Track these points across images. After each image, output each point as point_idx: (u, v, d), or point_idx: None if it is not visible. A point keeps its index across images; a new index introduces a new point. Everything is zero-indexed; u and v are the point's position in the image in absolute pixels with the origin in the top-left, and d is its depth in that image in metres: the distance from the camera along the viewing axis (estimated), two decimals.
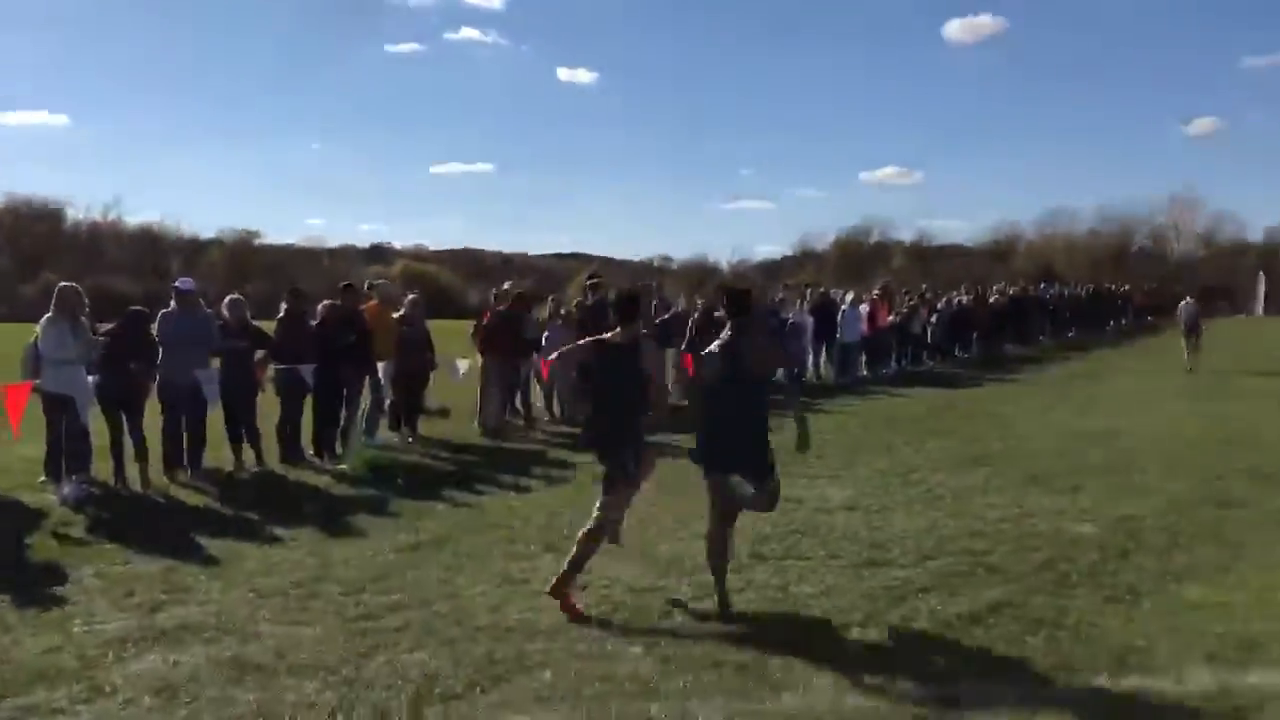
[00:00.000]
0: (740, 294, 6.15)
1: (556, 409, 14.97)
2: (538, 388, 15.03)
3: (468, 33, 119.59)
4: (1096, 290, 40.52)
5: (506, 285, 15.51)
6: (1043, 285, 37.97)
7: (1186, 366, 21.33)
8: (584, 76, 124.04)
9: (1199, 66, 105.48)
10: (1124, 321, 41.38)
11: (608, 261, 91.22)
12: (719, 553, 6.01)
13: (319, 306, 11.91)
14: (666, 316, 18.01)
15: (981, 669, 4.90)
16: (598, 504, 6.22)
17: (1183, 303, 23.06)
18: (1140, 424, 13.23)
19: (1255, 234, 76.65)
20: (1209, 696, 4.48)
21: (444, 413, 14.13)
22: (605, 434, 6.28)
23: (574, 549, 6.14)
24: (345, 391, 11.72)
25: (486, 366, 13.75)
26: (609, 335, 6.30)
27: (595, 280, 17.22)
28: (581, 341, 6.75)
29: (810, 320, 20.54)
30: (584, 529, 6.19)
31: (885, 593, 6.15)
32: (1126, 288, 45.96)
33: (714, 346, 5.99)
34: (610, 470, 6.24)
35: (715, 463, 5.93)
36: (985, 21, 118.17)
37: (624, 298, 6.38)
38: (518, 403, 14.61)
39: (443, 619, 5.82)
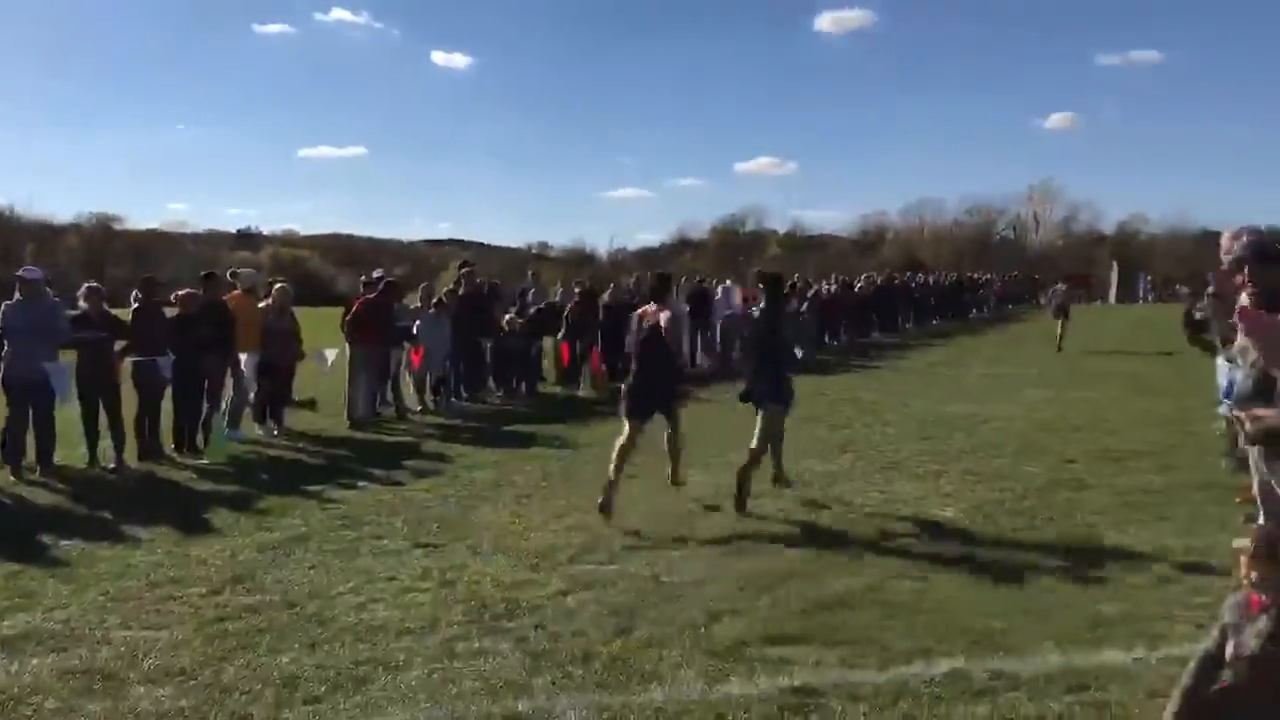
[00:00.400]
0: (777, 278, 9.08)
1: (429, 400, 14.76)
2: (409, 378, 14.79)
3: (339, 14, 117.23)
4: (959, 279, 41.86)
5: (376, 273, 15.21)
6: (908, 274, 39.01)
7: (1058, 346, 23.46)
8: (459, 61, 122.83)
9: (1057, 64, 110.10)
10: (986, 309, 42.85)
11: (484, 248, 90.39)
12: (754, 466, 8.24)
13: (176, 296, 11.48)
14: (541, 306, 17.93)
15: (844, 655, 5.00)
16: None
17: (1054, 288, 26.55)
18: (999, 410, 13.70)
19: (1109, 225, 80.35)
20: (1057, 676, 4.65)
21: (311, 404, 13.80)
22: (648, 390, 8.35)
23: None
24: (207, 384, 11.33)
25: (355, 356, 13.46)
26: (646, 309, 8.39)
27: (468, 268, 17.02)
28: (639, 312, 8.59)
29: (685, 308, 20.70)
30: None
31: (754, 580, 6.23)
32: (988, 276, 47.59)
33: (758, 315, 8.88)
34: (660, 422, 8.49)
35: (789, 400, 8.53)
36: (855, 15, 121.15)
37: (657, 278, 8.82)
38: (388, 394, 14.35)
39: (306, 619, 5.68)
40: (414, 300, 15.94)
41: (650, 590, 6.12)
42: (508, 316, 16.61)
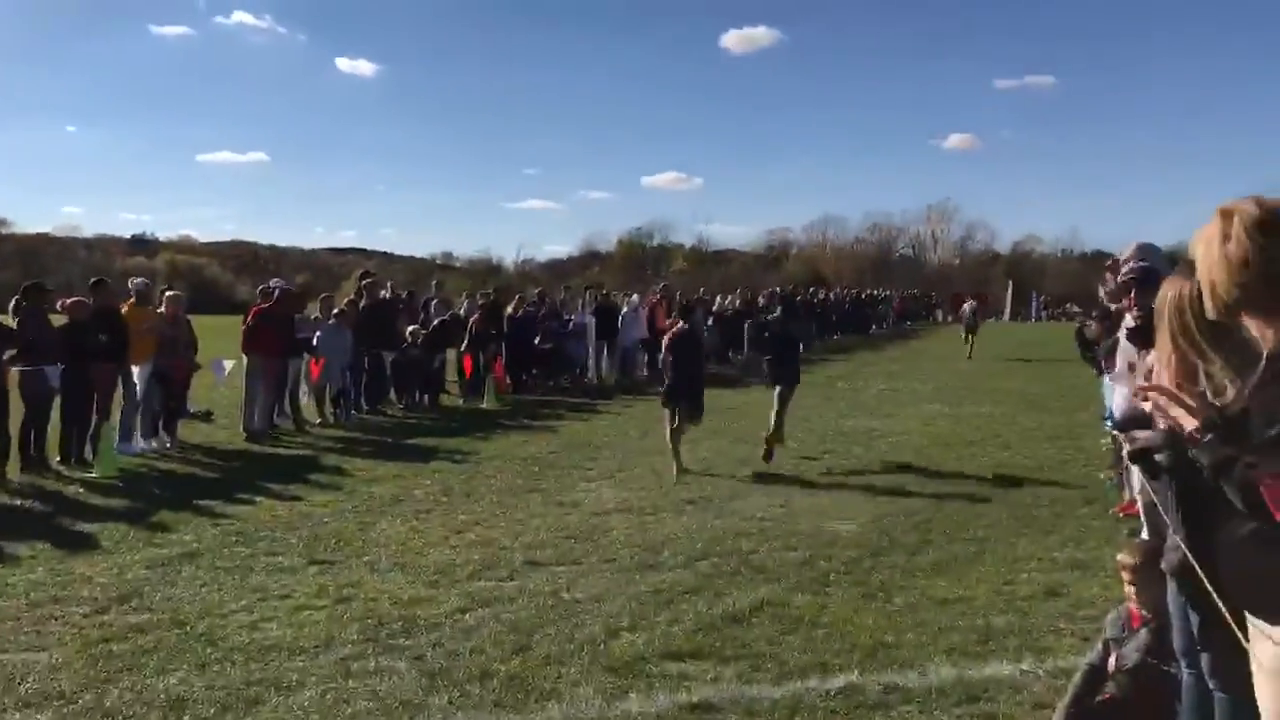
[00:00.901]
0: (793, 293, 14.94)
1: (328, 412, 14.50)
2: (308, 389, 14.52)
3: (240, 17, 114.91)
4: (860, 295, 42.64)
5: (274, 282, 14.91)
6: (811, 290, 39.60)
7: (968, 355, 26.61)
8: (365, 68, 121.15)
9: (956, 86, 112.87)
10: (885, 325, 43.71)
11: (388, 257, 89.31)
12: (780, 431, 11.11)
13: (64, 303, 11.10)
14: (445, 317, 17.76)
15: (742, 670, 5.03)
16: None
17: (965, 304, 30.16)
18: (897, 425, 13.99)
19: (1004, 245, 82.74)
20: (948, 688, 4.75)
21: (206, 416, 13.45)
22: (678, 388, 10.71)
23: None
24: (96, 395, 10.97)
25: (251, 368, 13.15)
26: (677, 326, 11.11)
27: (369, 279, 16.81)
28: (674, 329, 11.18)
29: (592, 321, 20.71)
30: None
31: (654, 596, 6.24)
32: (888, 293, 48.57)
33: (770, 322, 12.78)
34: (681, 413, 10.67)
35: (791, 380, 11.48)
36: (761, 33, 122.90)
37: (685, 304, 12.50)
38: (286, 405, 14.06)
39: (196, 639, 5.52)
40: (314, 310, 15.66)
41: (550, 607, 6.09)
42: (410, 328, 16.43)
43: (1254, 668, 2.65)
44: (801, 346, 19.25)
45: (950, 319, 47.43)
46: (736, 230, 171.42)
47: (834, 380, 21.25)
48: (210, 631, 5.63)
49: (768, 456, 10.84)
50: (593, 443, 12.48)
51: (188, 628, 5.69)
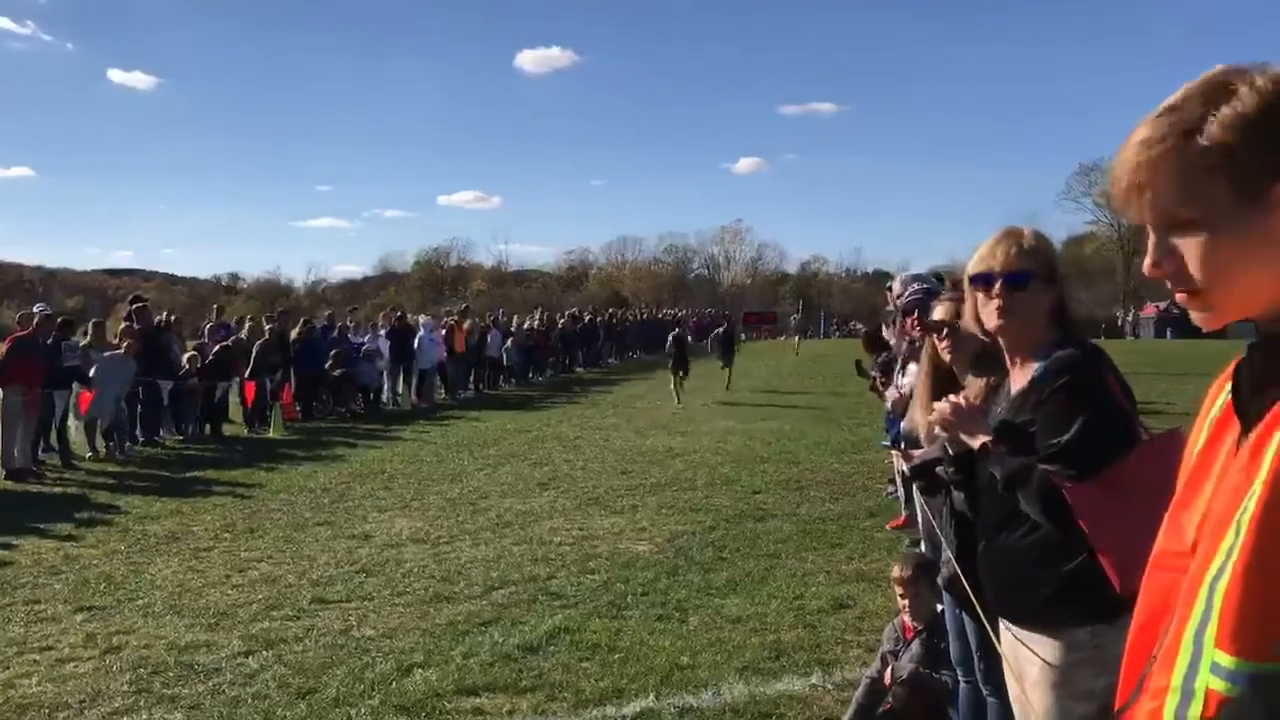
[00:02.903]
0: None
1: (100, 445, 13.60)
2: (77, 422, 13.57)
3: (1, 23, 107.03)
4: (657, 314, 43.36)
5: (38, 307, 13.89)
6: (610, 310, 40.01)
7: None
8: (141, 80, 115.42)
9: (745, 110, 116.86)
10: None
11: (169, 279, 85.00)
12: None
13: None
14: (228, 342, 16.94)
15: (538, 700, 4.96)
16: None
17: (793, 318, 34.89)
18: (692, 442, 14.22)
19: (793, 265, 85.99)
20: (741, 707, 4.80)
21: None
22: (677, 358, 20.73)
23: None
24: None
25: (8, 400, 12.17)
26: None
27: (140, 304, 15.90)
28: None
29: (387, 343, 20.22)
30: None
31: (449, 629, 6.09)
32: (684, 312, 49.58)
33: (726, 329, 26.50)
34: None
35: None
36: (556, 54, 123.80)
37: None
38: (53, 439, 13.09)
39: None
40: (85, 337, 14.66)
41: (338, 646, 5.84)
42: (189, 354, 15.62)
43: (1017, 678, 2.76)
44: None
45: (743, 337, 48.83)
46: (536, 250, 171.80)
47: (634, 399, 21.48)
48: None
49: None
50: (386, 471, 12.14)
51: None
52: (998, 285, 2.58)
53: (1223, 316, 1.23)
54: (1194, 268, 1.20)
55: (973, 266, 2.66)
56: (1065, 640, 2.55)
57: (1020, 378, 2.66)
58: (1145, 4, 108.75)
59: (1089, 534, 2.44)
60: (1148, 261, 1.25)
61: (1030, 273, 2.58)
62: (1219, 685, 1.10)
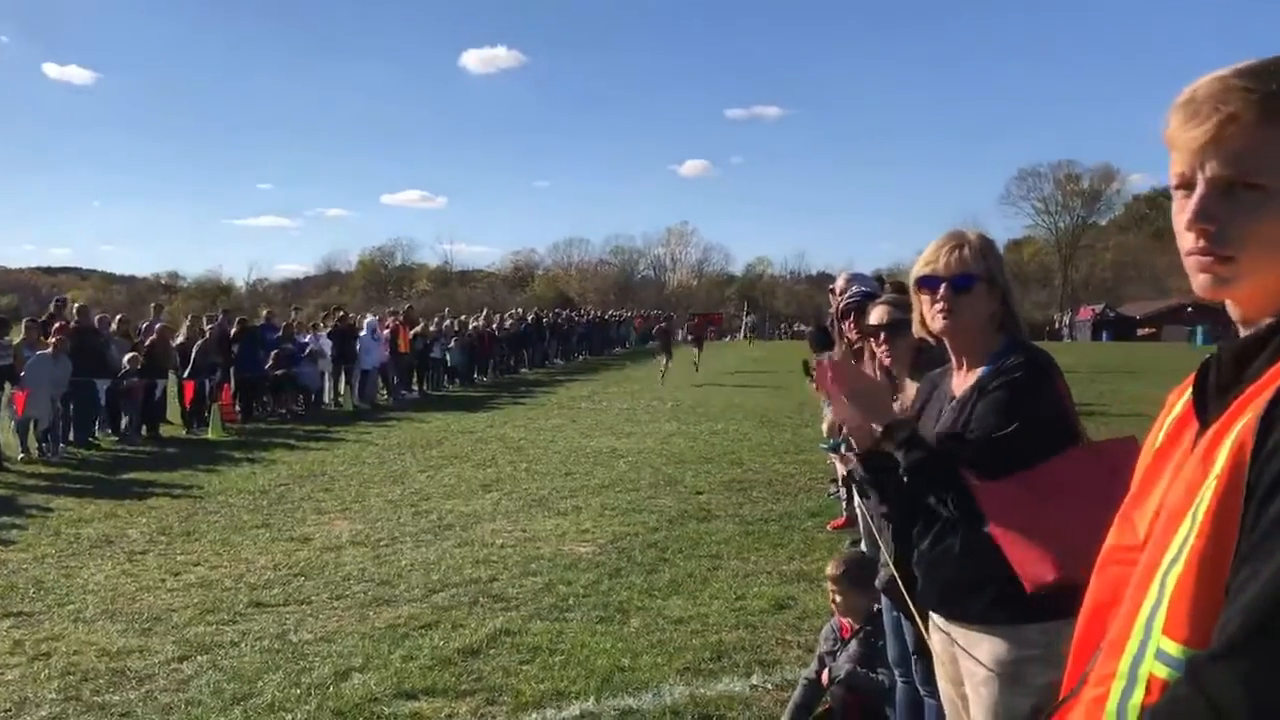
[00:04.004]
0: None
1: (33, 446, 13.30)
2: (9, 422, 13.27)
3: None
4: (603, 316, 43.34)
5: None
6: (555, 310, 39.95)
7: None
8: (79, 75, 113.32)
9: (691, 114, 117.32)
10: (628, 345, 44.59)
11: (108, 277, 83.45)
12: None
13: None
14: (166, 341, 16.64)
15: (477, 704, 4.92)
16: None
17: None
18: (637, 443, 14.23)
19: (739, 267, 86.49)
20: (681, 708, 4.80)
21: None
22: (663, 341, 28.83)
23: None
24: None
25: None
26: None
27: (74, 303, 15.60)
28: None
29: (329, 344, 20.00)
30: None
31: (388, 632, 6.02)
32: (629, 314, 49.64)
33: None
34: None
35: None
36: (502, 54, 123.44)
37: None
38: None
39: None
40: (16, 335, 14.33)
41: (275, 650, 5.76)
42: (129, 355, 15.33)
43: (950, 678, 2.79)
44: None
45: (689, 339, 49.06)
46: (482, 250, 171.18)
47: (578, 400, 21.44)
48: None
49: None
50: (327, 473, 12.00)
51: None
52: (942, 288, 2.60)
53: (1235, 289, 1.21)
54: (1236, 232, 1.18)
55: (918, 269, 2.68)
56: (1016, 638, 2.54)
57: (964, 381, 2.68)
58: (1083, 13, 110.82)
59: (993, 531, 2.47)
60: (1191, 211, 1.20)
61: (975, 276, 2.60)
62: (1162, 672, 1.12)
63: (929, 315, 2.66)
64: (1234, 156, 1.16)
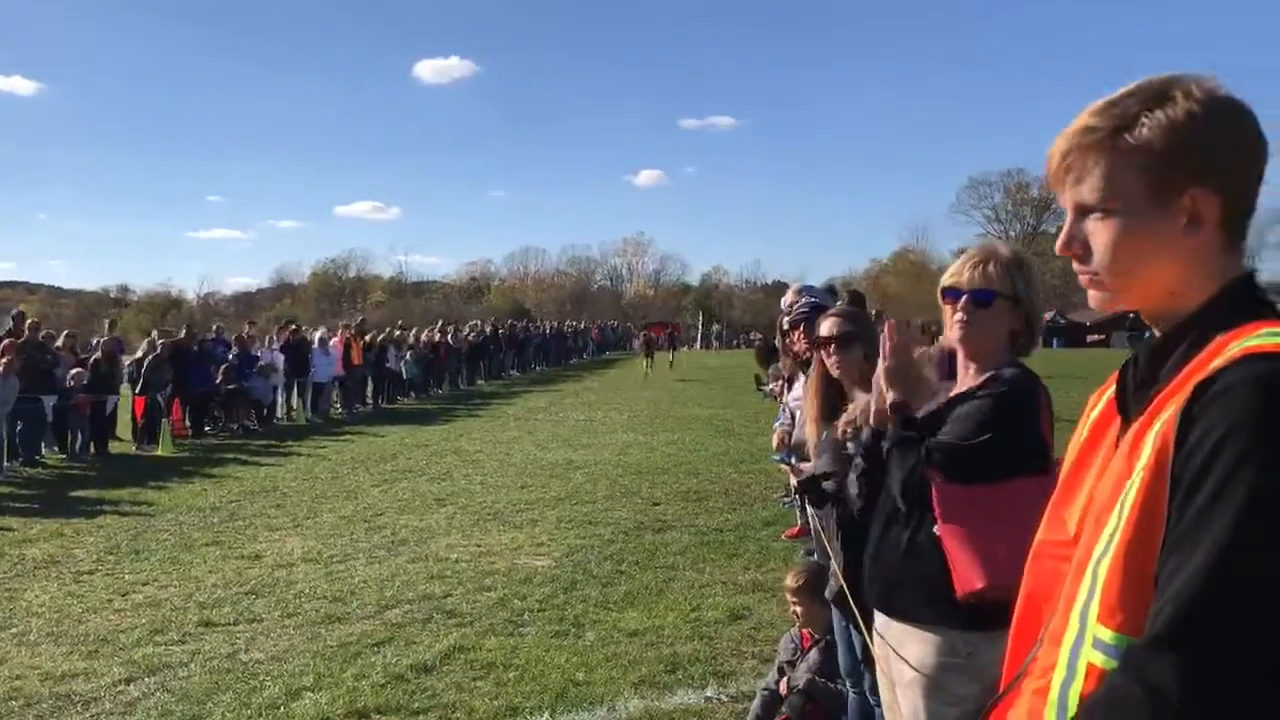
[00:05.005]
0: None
1: None
2: None
3: None
4: (560, 327, 43.28)
5: None
6: (510, 321, 39.85)
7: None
8: (24, 86, 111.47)
9: (645, 124, 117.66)
10: (585, 355, 44.56)
11: (56, 292, 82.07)
12: None
13: None
14: (115, 356, 16.39)
15: None
16: None
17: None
18: (593, 455, 14.20)
19: (695, 276, 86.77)
20: None
21: None
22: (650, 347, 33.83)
23: None
24: None
25: None
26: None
27: (32, 321, 15.37)
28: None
29: (281, 358, 19.80)
30: None
31: (340, 651, 5.96)
32: (585, 325, 49.62)
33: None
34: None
35: None
36: (455, 64, 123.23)
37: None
38: None
39: None
40: None
41: (225, 670, 5.67)
42: (75, 370, 15.07)
43: (889, 682, 2.83)
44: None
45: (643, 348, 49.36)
46: (436, 261, 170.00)
47: (535, 412, 21.37)
48: None
49: None
50: (279, 489, 11.86)
51: None
52: (963, 300, 2.66)
53: (1116, 302, 1.33)
54: (1100, 253, 1.31)
55: (945, 279, 2.75)
56: (940, 641, 2.62)
57: (961, 386, 2.76)
58: (1035, 21, 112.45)
59: (940, 532, 2.52)
60: (1061, 239, 1.34)
61: (996, 293, 2.66)
62: (1099, 660, 1.18)
63: (948, 323, 2.73)
64: (1087, 188, 1.30)
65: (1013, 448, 2.56)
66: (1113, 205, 1.28)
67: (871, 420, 2.83)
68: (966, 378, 2.76)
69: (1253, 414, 1.10)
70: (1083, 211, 1.32)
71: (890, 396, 2.70)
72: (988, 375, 2.68)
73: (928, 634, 2.64)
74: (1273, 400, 1.11)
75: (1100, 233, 1.30)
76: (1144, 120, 1.26)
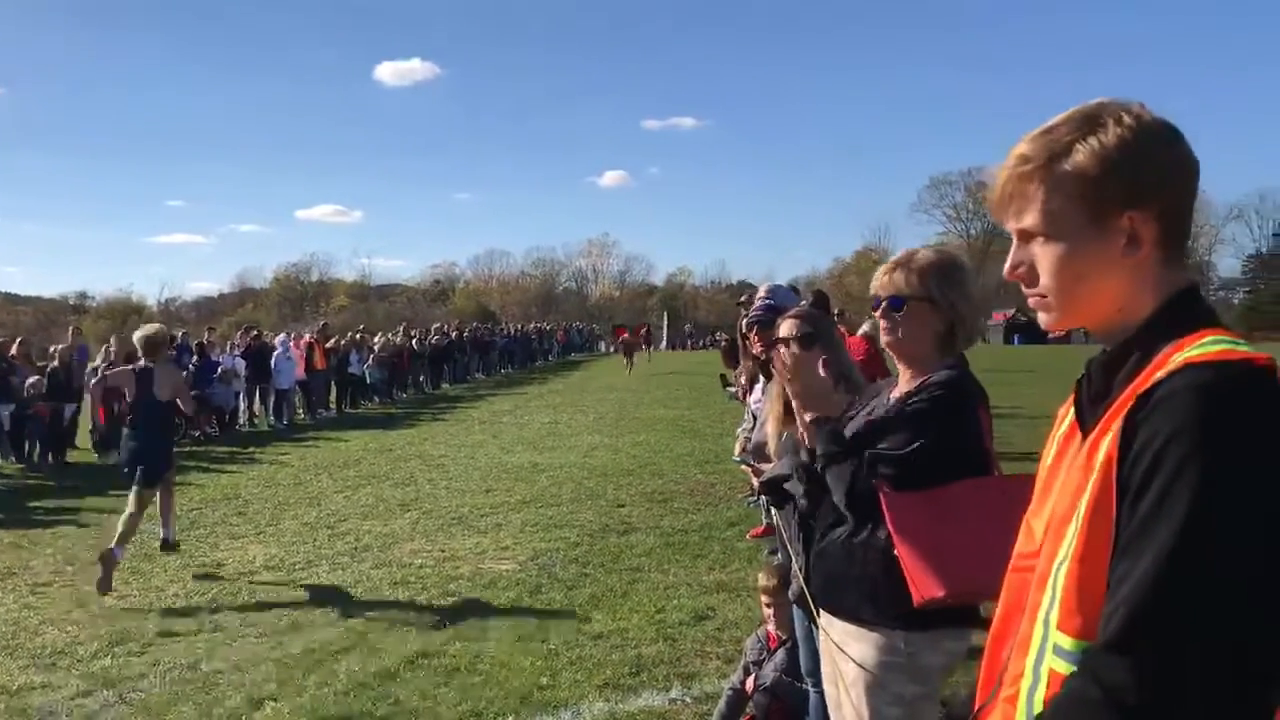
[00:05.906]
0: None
1: None
2: None
3: None
4: (525, 329, 43.20)
5: None
6: (475, 324, 39.72)
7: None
8: None
9: (608, 125, 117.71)
10: (551, 358, 44.49)
11: (12, 299, 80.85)
12: None
13: None
14: (73, 363, 16.16)
15: None
16: None
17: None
18: (559, 458, 14.18)
19: (660, 277, 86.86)
20: None
21: None
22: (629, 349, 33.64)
23: None
24: None
25: None
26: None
27: None
28: None
29: (243, 363, 19.62)
30: None
31: (303, 658, 5.91)
32: (550, 327, 49.57)
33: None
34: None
35: None
36: (416, 66, 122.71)
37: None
38: None
39: None
40: None
41: (186, 681, 5.62)
42: (33, 379, 14.86)
43: (833, 679, 2.86)
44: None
45: (612, 349, 49.36)
46: (400, 264, 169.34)
47: (501, 415, 21.28)
48: None
49: None
50: (241, 496, 11.75)
51: None
52: (881, 307, 2.75)
53: (1063, 322, 1.37)
54: (1044, 276, 1.35)
55: (870, 287, 2.82)
56: (880, 641, 2.66)
57: (898, 391, 2.79)
58: (996, 21, 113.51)
59: (894, 539, 2.55)
60: (1007, 265, 1.39)
61: (906, 297, 2.71)
62: (1060, 665, 1.22)
63: (882, 329, 2.81)
64: (1029, 216, 1.34)
65: (952, 450, 2.60)
66: (1053, 231, 1.33)
67: (806, 440, 2.86)
68: (904, 381, 2.81)
69: (1194, 419, 1.13)
70: (1026, 237, 1.36)
71: (807, 417, 2.76)
72: (921, 380, 2.72)
73: (869, 633, 2.69)
74: (1213, 405, 1.14)
75: (1044, 257, 1.34)
76: (1077, 148, 1.30)
